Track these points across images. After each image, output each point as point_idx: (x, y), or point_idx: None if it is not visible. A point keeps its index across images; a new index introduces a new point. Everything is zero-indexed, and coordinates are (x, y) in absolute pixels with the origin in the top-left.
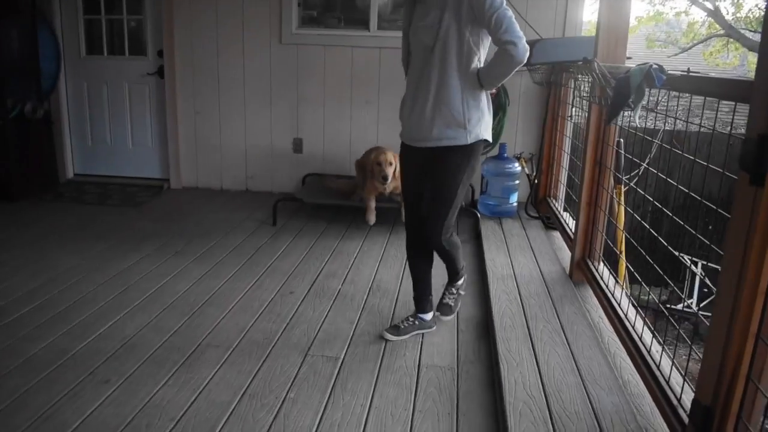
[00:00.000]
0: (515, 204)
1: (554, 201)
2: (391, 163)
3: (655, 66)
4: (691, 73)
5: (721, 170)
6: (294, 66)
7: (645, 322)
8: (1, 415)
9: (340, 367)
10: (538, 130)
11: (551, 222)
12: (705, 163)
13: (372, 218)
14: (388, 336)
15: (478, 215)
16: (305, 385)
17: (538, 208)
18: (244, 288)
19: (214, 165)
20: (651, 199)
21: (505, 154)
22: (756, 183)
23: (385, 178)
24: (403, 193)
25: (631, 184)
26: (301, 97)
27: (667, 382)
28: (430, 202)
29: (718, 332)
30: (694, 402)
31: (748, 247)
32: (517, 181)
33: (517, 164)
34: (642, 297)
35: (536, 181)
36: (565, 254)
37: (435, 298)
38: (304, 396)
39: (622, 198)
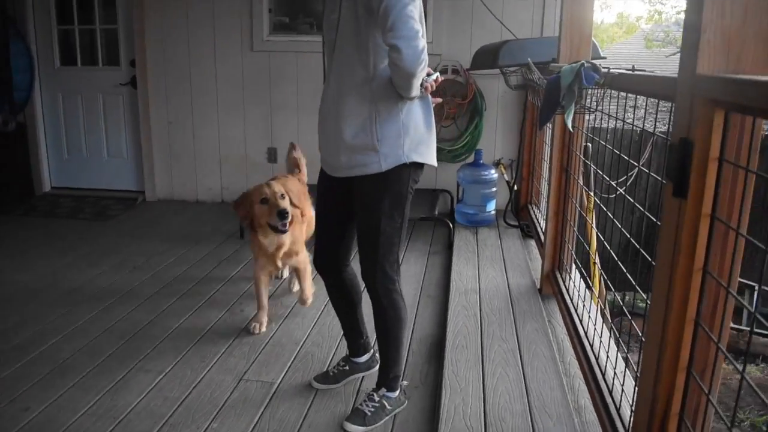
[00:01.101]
0: (493, 212)
1: (535, 209)
2: (283, 195)
3: (587, 65)
4: (636, 71)
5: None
6: (266, 74)
7: (601, 342)
8: None
9: (274, 393)
10: (517, 135)
11: (530, 231)
12: (647, 170)
13: (261, 326)
14: (315, 384)
15: (451, 225)
16: (232, 413)
17: (519, 216)
18: (194, 306)
19: (189, 176)
20: (612, 216)
21: (481, 161)
22: (679, 194)
23: (283, 215)
24: (316, 224)
25: (593, 194)
26: (274, 106)
27: (618, 411)
28: (358, 240)
29: (648, 365)
30: None
31: (674, 268)
32: (494, 189)
33: (494, 171)
34: (639, 304)
35: (515, 187)
36: (539, 266)
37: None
38: (228, 425)
39: (591, 206)
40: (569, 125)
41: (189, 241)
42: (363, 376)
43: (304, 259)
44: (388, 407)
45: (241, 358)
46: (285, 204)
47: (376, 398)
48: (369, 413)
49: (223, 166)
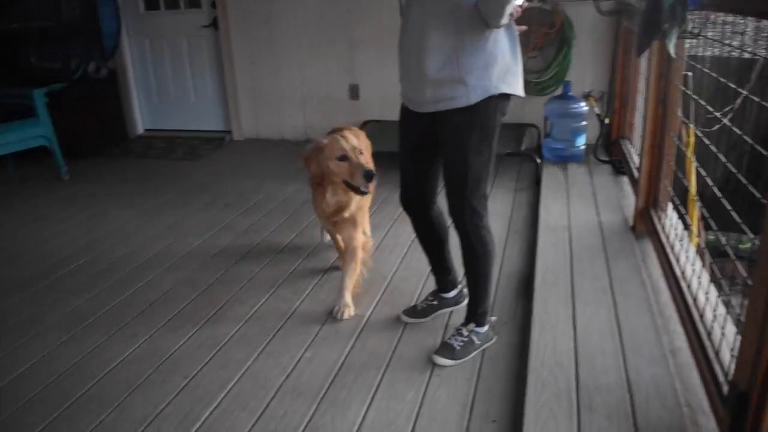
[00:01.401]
0: (583, 147)
1: (628, 143)
2: (362, 152)
3: None
4: None
5: None
6: (345, 10)
7: (699, 284)
8: (36, 365)
9: (364, 325)
10: (609, 65)
11: (622, 167)
12: (756, 99)
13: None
14: (404, 318)
15: (538, 161)
16: (324, 344)
17: (610, 152)
18: (286, 241)
19: (273, 115)
20: (715, 150)
21: (570, 93)
22: None
23: (371, 176)
24: (400, 164)
25: (693, 127)
26: (355, 42)
27: (717, 355)
28: (444, 176)
29: (755, 309)
30: (731, 385)
31: None
32: (584, 122)
33: (584, 104)
34: (741, 246)
35: (607, 121)
36: (632, 203)
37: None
38: (321, 355)
39: (691, 140)
40: (671, 51)
41: (277, 179)
42: (451, 311)
43: (359, 238)
44: (477, 342)
45: (331, 292)
46: (368, 162)
47: (465, 333)
48: (458, 347)
49: (307, 104)
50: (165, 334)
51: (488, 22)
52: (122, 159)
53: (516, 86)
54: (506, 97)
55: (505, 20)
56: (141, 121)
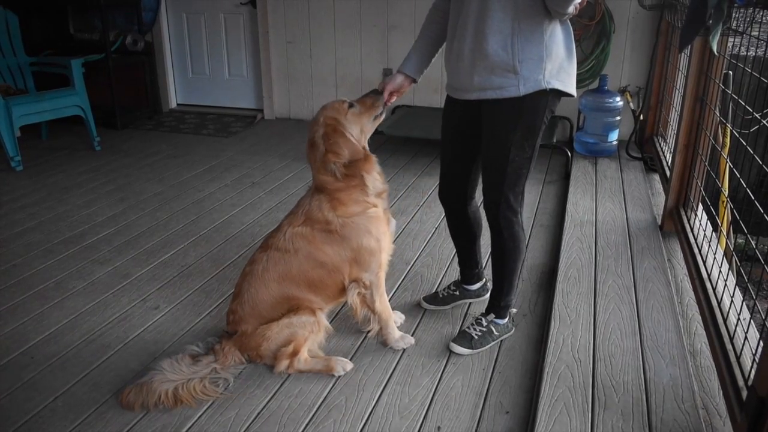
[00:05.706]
0: (615, 142)
1: (661, 141)
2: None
3: None
4: None
5: None
6: None
7: (726, 286)
8: (59, 331)
9: None
10: (647, 60)
11: (654, 164)
12: None
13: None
14: (424, 304)
15: (569, 154)
16: (343, 326)
17: (643, 148)
18: None
19: (306, 95)
20: (752, 152)
21: (606, 87)
22: None
23: (375, 91)
24: (441, 156)
25: (729, 126)
26: (391, 26)
27: (738, 359)
28: (483, 169)
29: None
30: (751, 390)
31: None
32: (618, 118)
33: (619, 98)
34: None
35: (641, 117)
36: (662, 201)
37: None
38: (338, 338)
39: (727, 141)
40: (714, 49)
41: (305, 160)
42: (471, 302)
43: None
44: (496, 333)
45: None
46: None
47: (485, 323)
48: (476, 337)
49: (339, 86)
50: (187, 307)
51: (551, 8)
52: (154, 132)
53: (569, 85)
54: (557, 94)
55: (570, 9)
56: (174, 96)
